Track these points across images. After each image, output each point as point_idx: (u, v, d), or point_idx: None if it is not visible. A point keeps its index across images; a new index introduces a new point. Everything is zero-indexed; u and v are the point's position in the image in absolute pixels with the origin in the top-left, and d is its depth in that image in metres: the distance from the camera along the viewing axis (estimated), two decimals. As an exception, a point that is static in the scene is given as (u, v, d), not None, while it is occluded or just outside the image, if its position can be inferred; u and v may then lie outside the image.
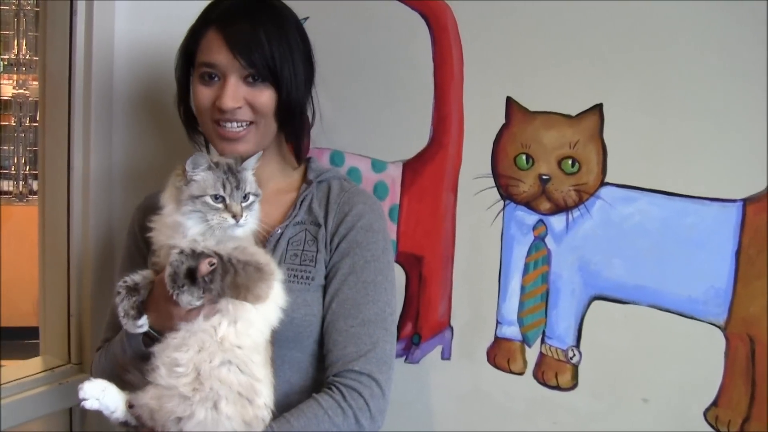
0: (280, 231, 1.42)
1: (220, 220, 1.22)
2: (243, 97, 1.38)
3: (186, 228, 1.22)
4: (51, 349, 1.81)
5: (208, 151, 1.57)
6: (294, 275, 1.38)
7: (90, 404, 1.21)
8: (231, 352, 1.21)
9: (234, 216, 1.22)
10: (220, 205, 1.22)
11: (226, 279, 1.19)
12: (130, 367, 1.27)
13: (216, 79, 1.39)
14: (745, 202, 1.34)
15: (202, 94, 1.41)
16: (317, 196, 1.46)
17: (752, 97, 1.32)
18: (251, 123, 1.40)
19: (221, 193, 1.22)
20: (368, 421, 1.31)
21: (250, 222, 1.26)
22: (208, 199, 1.22)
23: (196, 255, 1.19)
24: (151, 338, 1.28)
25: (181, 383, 1.19)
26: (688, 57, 1.38)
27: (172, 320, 1.23)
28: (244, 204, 1.24)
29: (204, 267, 1.18)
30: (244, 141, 1.40)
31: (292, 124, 1.46)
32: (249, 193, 1.26)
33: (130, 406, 1.22)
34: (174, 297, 1.18)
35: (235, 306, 1.22)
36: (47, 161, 1.78)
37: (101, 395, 1.21)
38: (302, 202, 1.45)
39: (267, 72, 1.38)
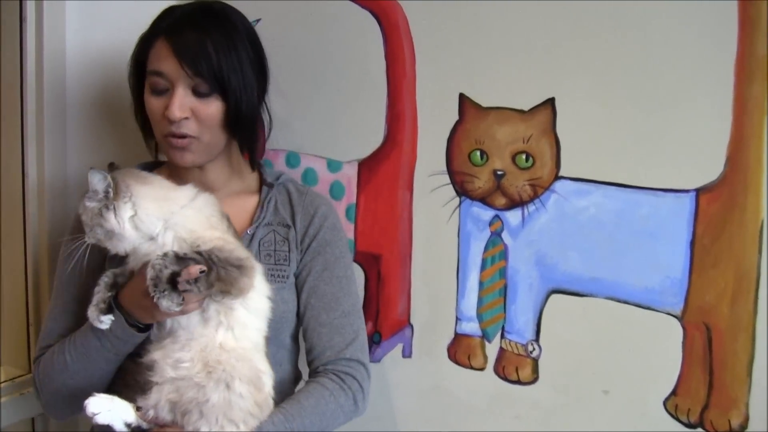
0: (250, 233, 1.47)
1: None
2: (190, 108, 1.38)
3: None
4: (11, 359, 1.79)
5: (157, 158, 1.58)
6: (271, 275, 1.43)
7: (102, 418, 1.23)
8: (234, 352, 1.27)
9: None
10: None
11: (209, 278, 1.22)
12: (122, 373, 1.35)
13: (166, 90, 1.39)
14: (698, 191, 1.35)
15: (152, 104, 1.42)
16: (280, 199, 1.52)
17: (702, 87, 1.33)
18: (193, 137, 1.40)
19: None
20: (362, 402, 1.46)
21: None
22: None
23: (180, 259, 1.22)
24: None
25: (192, 373, 1.24)
26: (637, 49, 1.38)
27: (154, 313, 1.26)
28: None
29: (194, 271, 1.20)
30: (189, 151, 1.42)
31: (243, 134, 1.48)
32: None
33: (138, 408, 1.26)
34: (154, 300, 1.20)
35: (226, 314, 1.28)
36: (1, 169, 1.75)
37: (111, 406, 1.25)
38: (267, 204, 1.50)
39: (214, 82, 1.38)
